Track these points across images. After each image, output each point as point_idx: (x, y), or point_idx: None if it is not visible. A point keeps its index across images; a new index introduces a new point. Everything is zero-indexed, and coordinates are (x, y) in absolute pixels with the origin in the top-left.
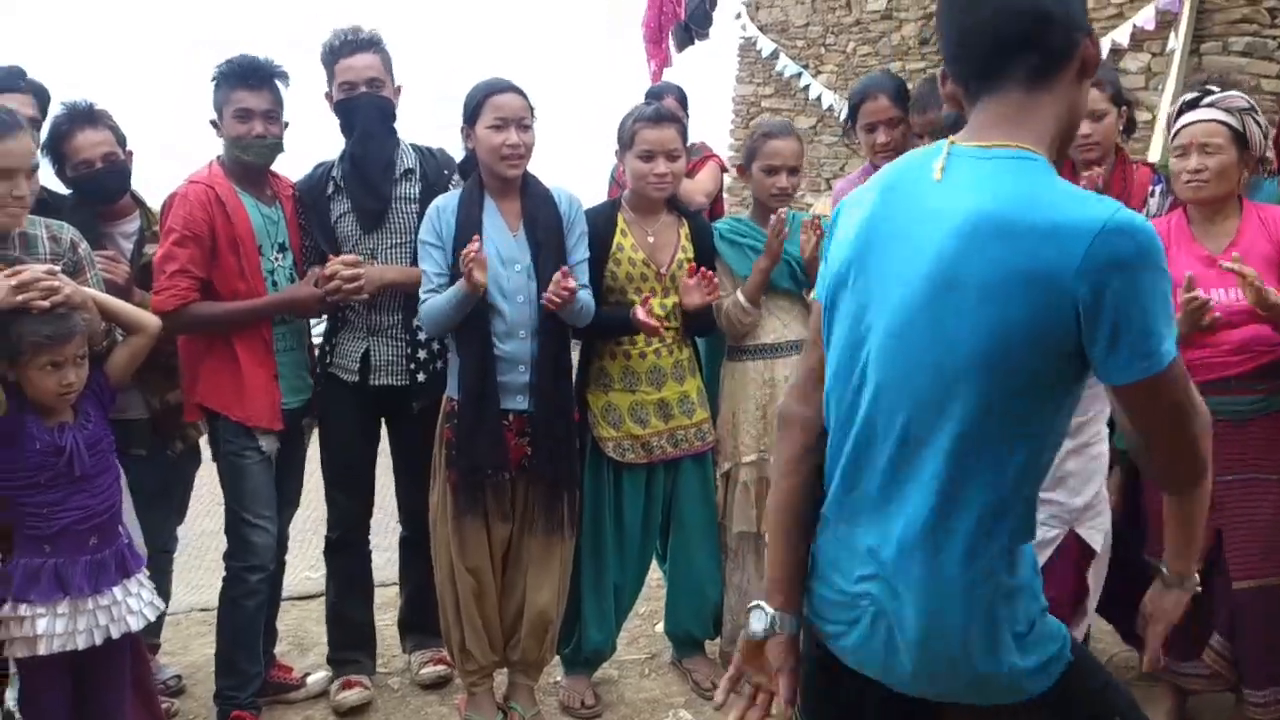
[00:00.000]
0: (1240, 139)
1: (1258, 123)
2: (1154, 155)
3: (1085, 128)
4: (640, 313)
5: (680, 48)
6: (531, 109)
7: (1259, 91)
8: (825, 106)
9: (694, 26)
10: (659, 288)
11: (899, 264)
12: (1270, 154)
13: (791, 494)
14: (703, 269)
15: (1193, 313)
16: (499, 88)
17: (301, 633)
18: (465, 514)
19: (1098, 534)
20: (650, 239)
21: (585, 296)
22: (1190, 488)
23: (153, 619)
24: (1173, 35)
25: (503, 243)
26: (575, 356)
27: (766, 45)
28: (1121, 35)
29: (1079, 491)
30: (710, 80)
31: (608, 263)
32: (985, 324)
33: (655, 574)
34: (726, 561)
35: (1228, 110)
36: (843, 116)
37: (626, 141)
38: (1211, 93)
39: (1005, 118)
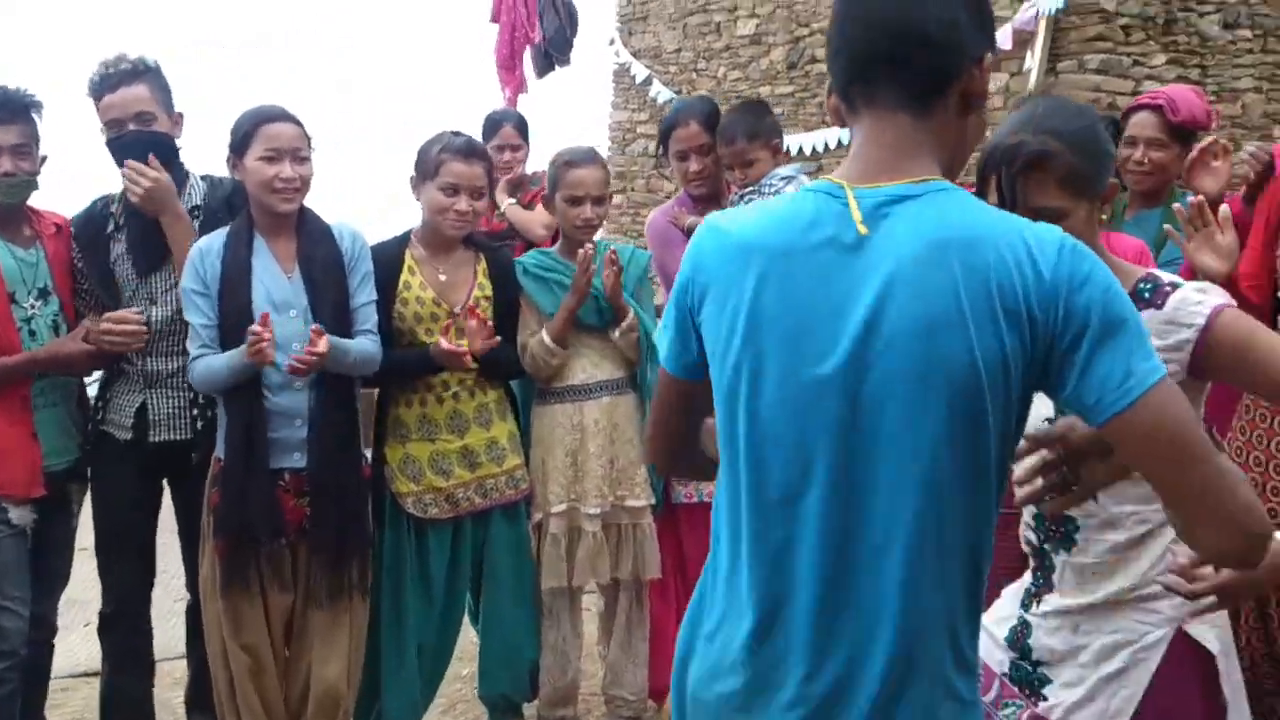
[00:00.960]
0: None
1: None
2: None
3: None
4: (443, 342)
5: (541, 74)
6: (308, 139)
7: (1115, 109)
8: None
9: (554, 53)
10: (453, 329)
11: (845, 337)
12: None
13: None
14: (476, 312)
15: None
16: (271, 116)
17: (90, 714)
18: (236, 586)
19: (1210, 631)
20: (442, 277)
21: (366, 344)
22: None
23: None
24: (1029, 54)
25: (275, 286)
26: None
27: (640, 71)
28: None
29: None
30: (585, 105)
31: (395, 303)
32: (971, 361)
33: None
34: (542, 619)
35: None
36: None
37: (430, 171)
38: None
39: (898, 147)
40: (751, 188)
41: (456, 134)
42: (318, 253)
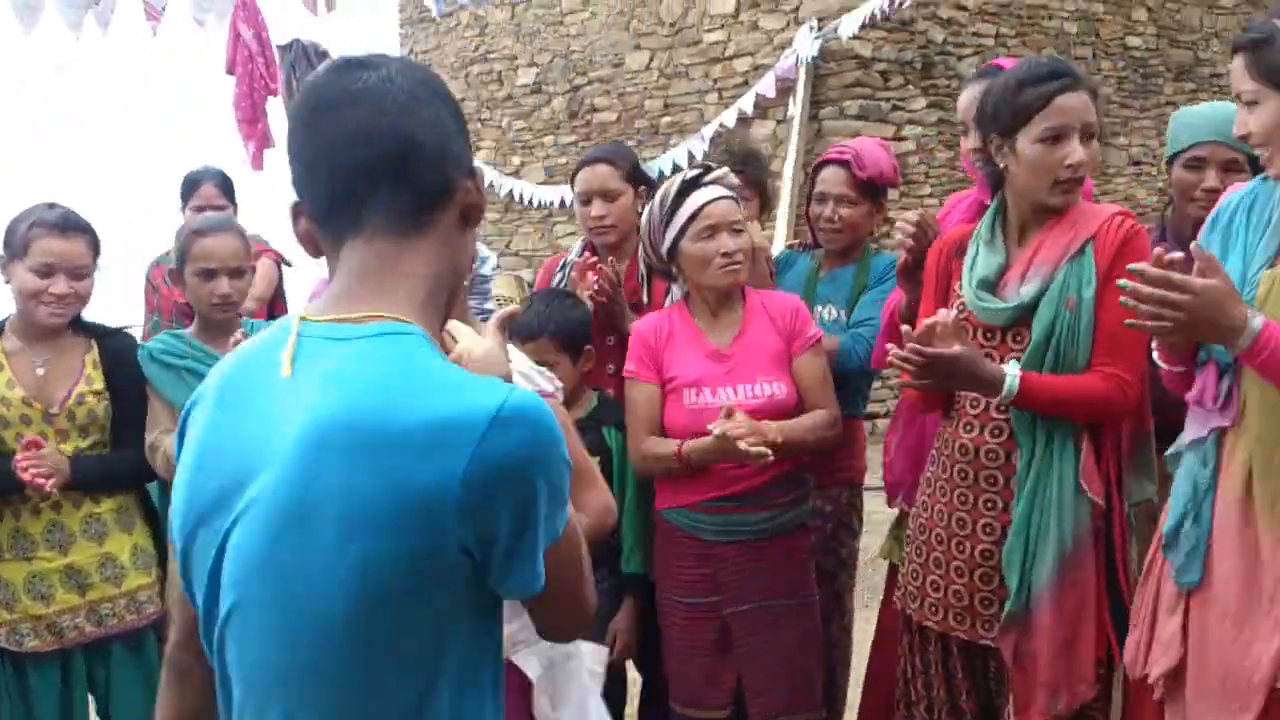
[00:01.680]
0: None
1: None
2: (780, 234)
3: (599, 208)
4: (20, 460)
5: None
6: None
7: None
8: (486, 183)
9: None
10: (50, 430)
11: (248, 500)
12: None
13: None
14: (35, 441)
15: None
16: None
17: None
18: None
19: (534, 659)
20: (40, 371)
21: None
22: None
23: None
24: (791, 102)
25: None
26: None
27: None
28: (747, 104)
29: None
30: None
31: None
32: (348, 570)
33: None
34: None
35: (730, 188)
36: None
37: (19, 250)
38: (710, 169)
39: (370, 275)
40: None
41: (51, 206)
42: None
